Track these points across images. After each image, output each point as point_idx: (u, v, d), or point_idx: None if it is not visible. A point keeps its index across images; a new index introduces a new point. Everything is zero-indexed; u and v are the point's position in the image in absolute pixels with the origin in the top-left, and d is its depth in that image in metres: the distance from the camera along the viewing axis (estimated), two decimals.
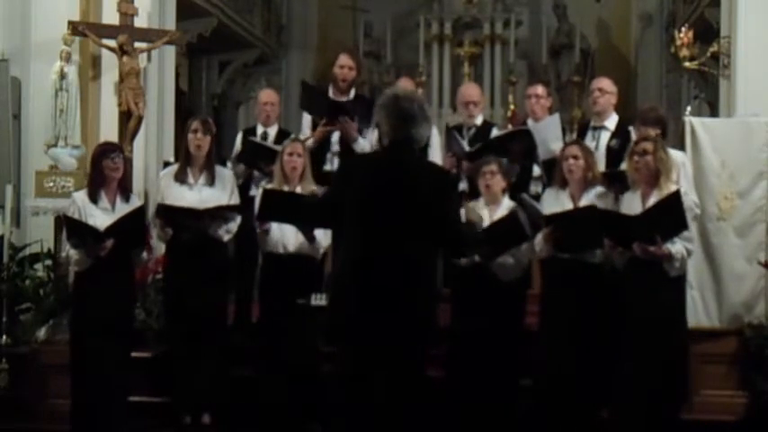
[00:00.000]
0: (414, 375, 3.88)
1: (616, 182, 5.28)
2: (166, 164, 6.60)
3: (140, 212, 5.22)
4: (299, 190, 5.40)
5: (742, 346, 5.60)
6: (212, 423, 5.49)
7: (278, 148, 6.14)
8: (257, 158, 6.18)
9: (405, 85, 6.56)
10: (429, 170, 4.13)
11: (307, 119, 6.45)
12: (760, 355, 5.51)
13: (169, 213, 5.38)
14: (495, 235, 5.14)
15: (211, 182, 5.49)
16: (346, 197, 3.89)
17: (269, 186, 5.50)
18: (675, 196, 4.79)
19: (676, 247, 4.81)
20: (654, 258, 4.79)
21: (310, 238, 5.33)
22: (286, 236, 5.39)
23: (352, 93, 6.43)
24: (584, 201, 5.23)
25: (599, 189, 5.26)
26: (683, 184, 5.19)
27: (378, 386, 3.81)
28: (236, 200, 5.59)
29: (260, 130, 6.58)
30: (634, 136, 5.53)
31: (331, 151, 6.20)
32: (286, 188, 5.43)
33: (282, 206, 5.24)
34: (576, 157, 5.26)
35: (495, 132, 6.33)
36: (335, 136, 6.19)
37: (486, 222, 5.20)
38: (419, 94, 4.27)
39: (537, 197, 5.67)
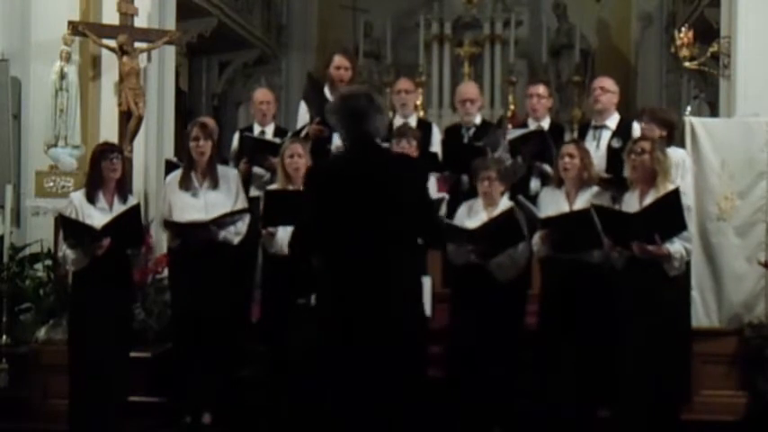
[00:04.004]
0: (405, 384, 3.79)
1: (616, 186, 5.28)
2: (167, 163, 6.61)
3: (136, 211, 5.23)
4: None
5: (742, 346, 5.60)
6: (212, 423, 5.49)
7: (275, 140, 6.15)
8: (255, 153, 6.18)
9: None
10: (395, 161, 4.08)
11: (303, 113, 6.44)
12: (760, 355, 5.51)
13: (175, 229, 5.42)
14: (491, 233, 5.14)
15: (215, 185, 5.50)
16: (320, 207, 3.83)
17: (272, 188, 5.50)
18: (674, 195, 4.78)
19: (675, 246, 4.80)
20: (652, 258, 4.79)
21: None
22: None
23: None
24: (580, 200, 5.24)
25: (595, 189, 5.27)
26: (680, 182, 5.18)
27: (366, 395, 3.73)
28: (242, 199, 5.60)
29: (257, 129, 6.59)
30: (638, 131, 5.54)
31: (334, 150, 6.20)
32: (291, 188, 5.42)
33: (288, 207, 5.23)
34: (571, 156, 5.27)
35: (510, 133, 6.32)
36: (337, 141, 6.18)
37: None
38: (367, 87, 4.22)
39: (537, 197, 5.67)
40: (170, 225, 5.47)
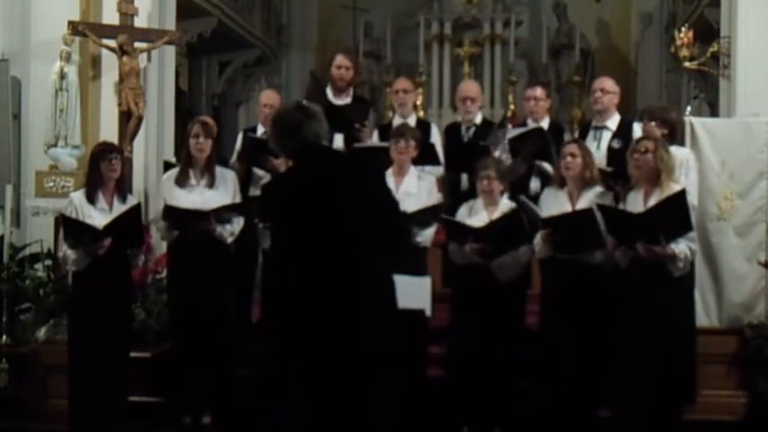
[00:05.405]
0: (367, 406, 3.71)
1: (619, 182, 5.28)
2: (166, 164, 6.61)
3: (137, 211, 5.23)
4: None
5: (742, 346, 5.60)
6: (212, 423, 5.49)
7: None
8: (256, 153, 6.19)
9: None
10: (349, 161, 4.02)
11: None
12: (760, 355, 5.51)
13: (175, 215, 5.39)
14: (496, 233, 5.13)
15: (212, 184, 5.48)
16: (282, 222, 3.80)
17: None
18: (681, 196, 4.76)
19: (680, 247, 4.78)
20: (657, 258, 4.78)
21: None
22: None
23: (351, 92, 6.43)
24: (583, 200, 5.23)
25: (598, 189, 5.26)
26: (683, 181, 5.18)
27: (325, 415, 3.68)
28: (239, 201, 5.58)
29: (260, 130, 6.59)
30: (639, 131, 5.53)
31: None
32: None
33: None
34: (573, 155, 5.26)
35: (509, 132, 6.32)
36: (338, 140, 6.19)
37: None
38: (297, 101, 4.22)
39: (537, 197, 5.66)
40: (170, 210, 5.37)
